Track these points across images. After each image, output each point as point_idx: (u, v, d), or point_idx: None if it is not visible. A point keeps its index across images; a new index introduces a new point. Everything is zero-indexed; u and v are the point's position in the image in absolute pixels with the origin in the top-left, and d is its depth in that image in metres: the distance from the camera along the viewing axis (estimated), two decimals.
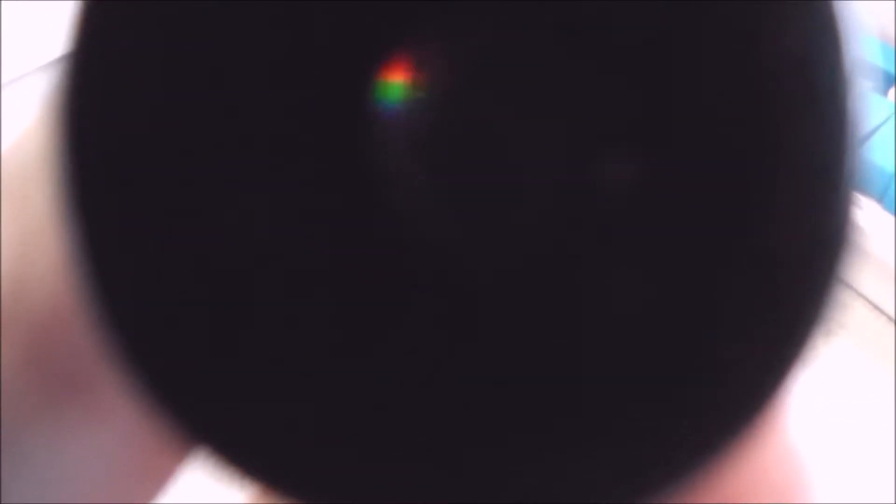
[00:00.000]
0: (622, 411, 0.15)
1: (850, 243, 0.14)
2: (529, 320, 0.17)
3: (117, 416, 0.18)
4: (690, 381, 0.15)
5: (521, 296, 0.17)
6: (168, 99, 0.15)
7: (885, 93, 0.91)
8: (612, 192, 0.17)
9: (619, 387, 0.15)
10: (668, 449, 0.14)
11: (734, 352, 0.14)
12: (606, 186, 0.17)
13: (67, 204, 0.14)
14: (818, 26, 0.13)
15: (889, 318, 0.90)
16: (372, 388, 0.16)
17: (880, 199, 0.85)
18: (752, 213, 0.14)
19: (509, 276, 0.17)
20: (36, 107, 0.18)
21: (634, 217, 0.16)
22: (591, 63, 0.17)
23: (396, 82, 0.17)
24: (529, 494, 0.15)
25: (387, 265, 0.17)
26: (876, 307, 0.90)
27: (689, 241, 0.16)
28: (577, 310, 0.17)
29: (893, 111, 0.85)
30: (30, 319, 0.17)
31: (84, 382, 0.17)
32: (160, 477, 0.20)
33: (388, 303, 0.17)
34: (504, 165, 0.18)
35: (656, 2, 0.15)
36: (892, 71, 0.91)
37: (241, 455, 0.15)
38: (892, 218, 0.84)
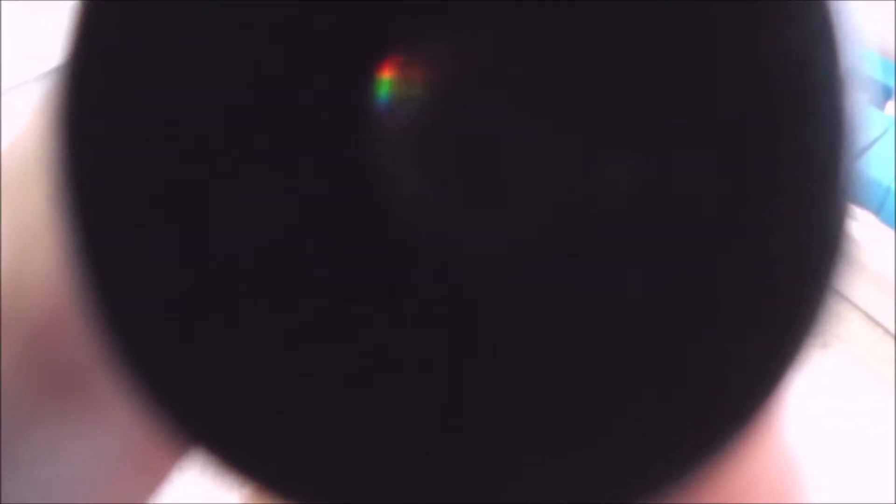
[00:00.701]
0: (621, 412, 0.15)
1: (847, 244, 0.14)
2: (529, 320, 0.17)
3: (115, 417, 0.18)
4: (689, 382, 0.15)
5: (521, 295, 0.17)
6: (167, 99, 0.15)
7: (882, 106, 0.91)
8: (611, 191, 0.17)
9: (618, 387, 0.15)
10: (666, 449, 0.14)
11: (732, 352, 0.14)
12: (605, 186, 0.17)
13: (65, 204, 0.14)
14: (817, 28, 0.14)
15: (886, 330, 0.90)
16: (371, 389, 0.16)
17: (877, 212, 0.86)
18: (751, 212, 0.14)
19: (509, 276, 0.17)
20: (33, 108, 0.18)
21: (632, 217, 0.16)
22: (591, 63, 0.17)
23: (396, 82, 0.17)
24: (529, 494, 0.15)
25: (386, 265, 0.17)
26: (872, 319, 0.90)
27: (689, 241, 0.16)
28: (576, 310, 0.17)
29: (891, 124, 0.85)
30: (28, 319, 0.17)
31: (82, 382, 0.17)
32: (157, 477, 0.19)
33: (388, 303, 0.17)
34: (504, 165, 0.18)
35: (656, 2, 0.15)
36: (891, 84, 0.91)
37: (237, 456, 0.15)
38: (889, 230, 0.85)
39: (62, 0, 0.14)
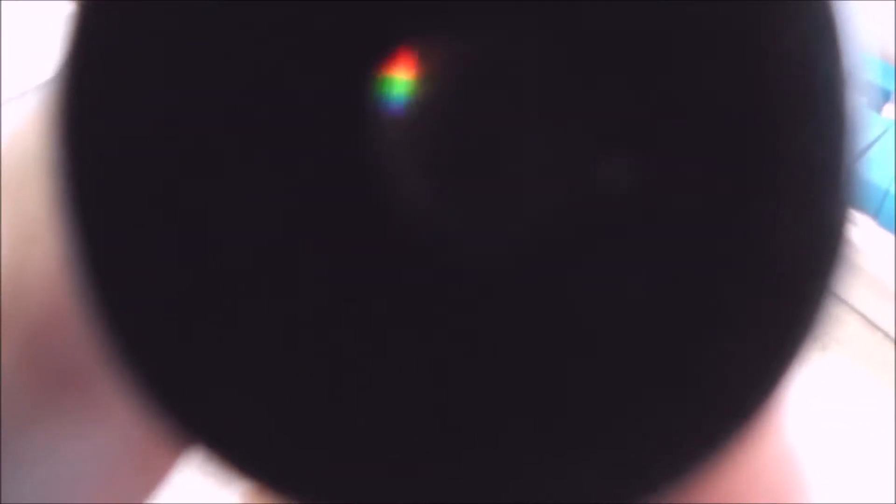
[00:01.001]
0: (621, 411, 0.15)
1: (847, 245, 0.14)
2: (529, 320, 0.17)
3: (114, 415, 0.18)
4: (689, 382, 0.15)
5: (521, 295, 0.17)
6: (166, 99, 0.15)
7: (880, 109, 0.91)
8: (611, 191, 0.17)
9: (618, 387, 0.15)
10: (666, 449, 0.14)
11: (732, 353, 0.14)
12: (606, 186, 0.17)
13: (65, 203, 0.14)
14: (817, 27, 0.14)
15: (884, 333, 0.90)
16: (371, 389, 0.16)
17: (875, 216, 0.86)
18: (751, 212, 0.14)
19: (509, 276, 0.17)
20: (33, 108, 0.18)
21: (632, 217, 0.16)
22: (591, 63, 0.17)
23: (397, 81, 0.17)
24: (529, 494, 0.15)
25: (386, 265, 0.17)
26: (871, 323, 0.90)
27: (689, 241, 0.16)
28: (576, 310, 0.17)
29: (889, 127, 0.85)
30: (28, 318, 0.17)
31: (81, 381, 0.17)
32: (156, 476, 0.19)
33: (388, 303, 0.17)
34: (504, 165, 0.18)
35: (656, 2, 0.15)
36: (889, 87, 0.91)
37: (237, 455, 0.15)
38: (887, 234, 0.85)
39: (62, 7, 0.15)
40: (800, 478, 0.18)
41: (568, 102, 0.17)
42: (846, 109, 0.14)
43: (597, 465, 0.15)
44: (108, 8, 0.14)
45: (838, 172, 0.14)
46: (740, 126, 0.15)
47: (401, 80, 0.17)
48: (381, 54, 0.17)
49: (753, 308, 0.14)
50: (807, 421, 0.18)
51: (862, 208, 0.14)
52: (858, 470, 0.77)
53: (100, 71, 0.14)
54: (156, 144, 0.15)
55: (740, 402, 0.14)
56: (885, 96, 0.92)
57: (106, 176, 0.14)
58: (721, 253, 0.15)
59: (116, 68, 0.14)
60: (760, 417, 0.14)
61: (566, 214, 0.17)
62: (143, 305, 0.15)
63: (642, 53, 0.16)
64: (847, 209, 0.14)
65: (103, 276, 0.14)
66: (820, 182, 0.14)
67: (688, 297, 0.15)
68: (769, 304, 0.14)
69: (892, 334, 0.90)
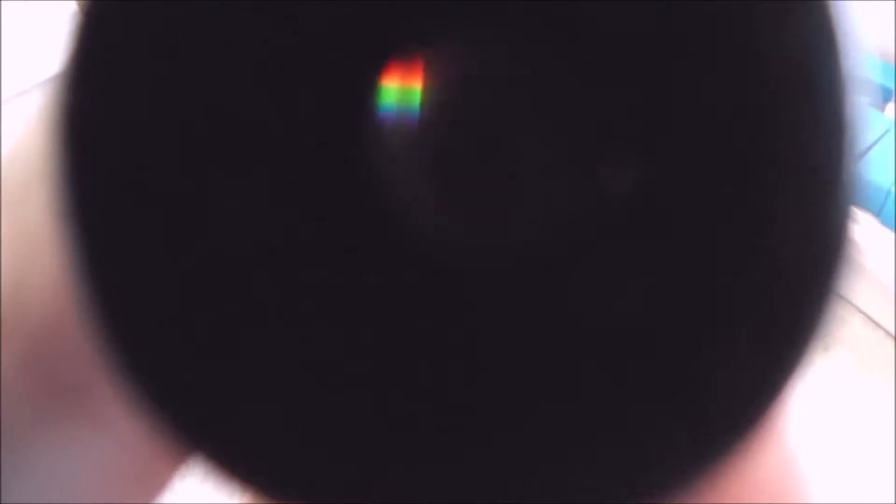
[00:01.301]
0: (622, 415, 0.15)
1: (848, 246, 0.14)
2: (530, 324, 0.17)
3: (114, 422, 0.18)
4: (691, 386, 0.15)
5: (522, 299, 0.17)
6: (168, 104, 0.15)
7: (882, 109, 0.91)
8: (611, 194, 0.17)
9: (620, 391, 0.15)
10: (669, 453, 0.14)
11: (735, 357, 0.14)
12: (606, 189, 0.17)
13: (66, 210, 0.14)
14: (816, 28, 0.13)
15: (886, 332, 0.90)
16: (370, 392, 0.16)
17: (877, 214, 0.86)
18: (751, 214, 0.14)
19: (509, 280, 0.17)
20: (34, 113, 0.18)
21: (633, 221, 0.16)
22: (591, 66, 0.17)
23: (398, 85, 0.17)
24: (530, 494, 0.15)
25: (386, 267, 0.17)
26: (873, 321, 0.90)
27: (690, 245, 0.16)
28: (577, 313, 0.17)
29: (890, 127, 0.85)
30: (29, 326, 0.17)
31: (82, 388, 0.17)
32: (156, 482, 0.19)
33: (387, 306, 0.17)
34: (506, 168, 0.18)
35: (657, 4, 0.15)
36: (890, 87, 0.91)
37: (236, 462, 0.15)
38: (889, 233, 0.85)
39: (63, 7, 0.14)
40: (802, 481, 0.18)
41: (569, 106, 0.17)
42: (847, 110, 0.14)
43: (598, 467, 0.15)
44: (112, 11, 0.14)
45: (840, 173, 0.14)
46: (741, 127, 0.15)
47: (404, 85, 0.17)
48: (384, 58, 0.17)
49: (757, 311, 0.14)
50: (808, 421, 0.18)
51: (863, 207, 0.14)
52: (859, 469, 0.77)
53: (100, 76, 0.14)
54: (160, 150, 0.15)
55: (743, 407, 0.14)
56: (886, 96, 0.92)
57: (107, 181, 0.14)
58: (723, 255, 0.15)
59: (117, 73, 0.14)
60: (764, 422, 0.14)
61: (567, 218, 0.17)
62: (142, 313, 0.15)
63: (642, 56, 0.16)
64: (849, 210, 0.14)
65: (104, 283, 0.14)
66: (822, 183, 0.14)
67: (690, 299, 0.15)
68: (773, 306, 0.14)
69: (894, 333, 0.90)
